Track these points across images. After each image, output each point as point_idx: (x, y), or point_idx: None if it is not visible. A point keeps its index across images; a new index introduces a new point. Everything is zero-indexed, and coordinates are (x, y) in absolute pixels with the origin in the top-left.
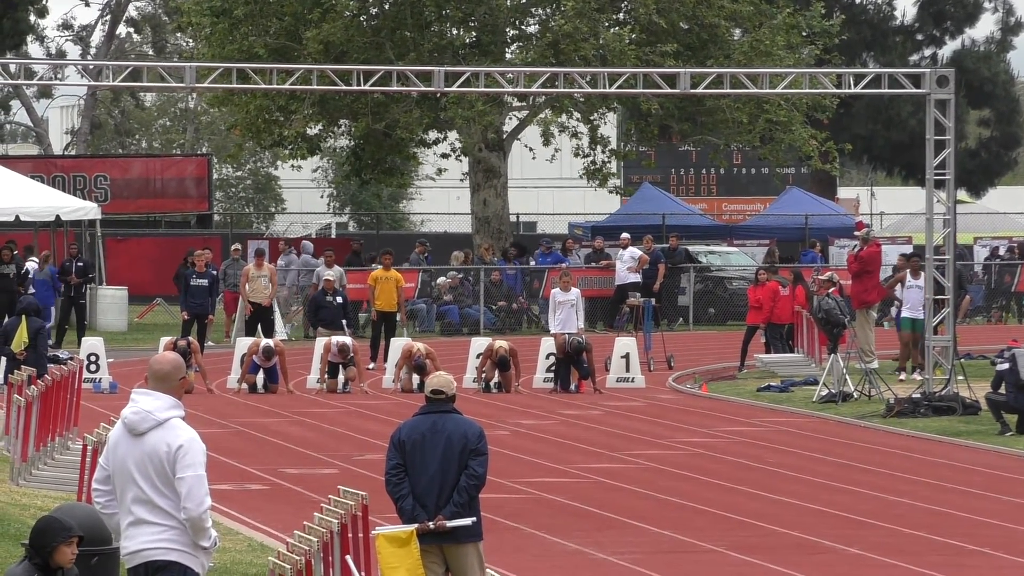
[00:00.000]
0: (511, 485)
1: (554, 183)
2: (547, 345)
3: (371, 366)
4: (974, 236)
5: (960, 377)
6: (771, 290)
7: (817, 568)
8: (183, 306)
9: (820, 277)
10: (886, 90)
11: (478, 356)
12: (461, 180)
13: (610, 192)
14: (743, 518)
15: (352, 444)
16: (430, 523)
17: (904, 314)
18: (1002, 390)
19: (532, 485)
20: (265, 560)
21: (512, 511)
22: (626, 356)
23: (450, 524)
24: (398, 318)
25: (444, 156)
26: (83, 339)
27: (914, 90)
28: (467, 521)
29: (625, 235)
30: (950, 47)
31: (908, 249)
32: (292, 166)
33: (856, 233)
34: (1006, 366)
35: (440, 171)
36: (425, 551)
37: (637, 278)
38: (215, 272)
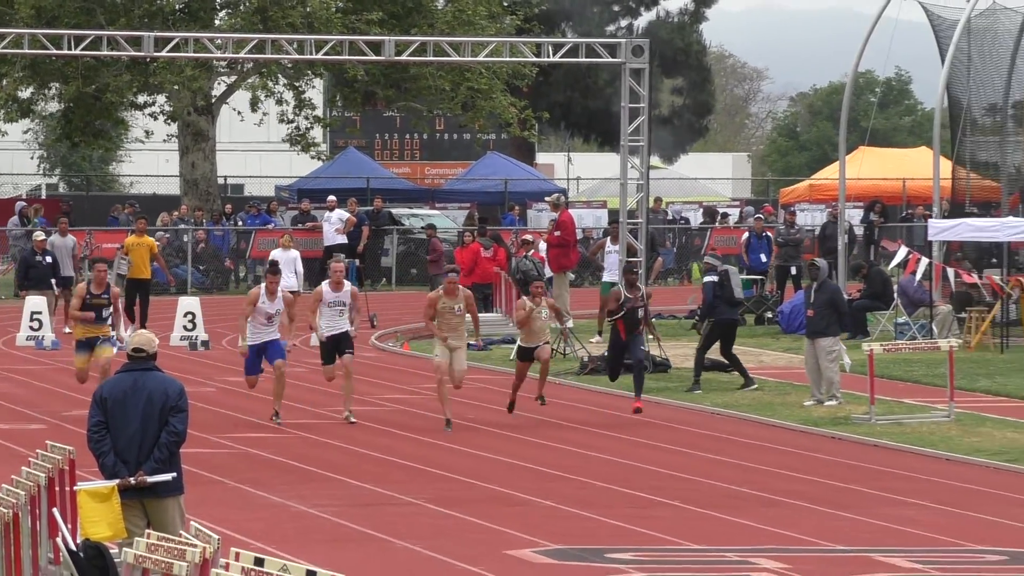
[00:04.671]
0: (216, 440)
1: (262, 146)
2: None
3: (128, 331)
4: (667, 200)
5: (651, 336)
6: (473, 251)
7: (511, 519)
8: None
9: (525, 238)
10: (583, 59)
11: (185, 314)
12: (165, 140)
13: (312, 158)
14: (441, 472)
15: (61, 400)
16: (131, 479)
17: (604, 278)
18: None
19: (237, 440)
20: None
21: (217, 465)
22: None
23: (151, 479)
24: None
25: (152, 117)
26: None
27: (610, 59)
28: (167, 476)
29: (332, 198)
30: (645, 18)
31: (603, 213)
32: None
33: (546, 199)
34: (714, 278)
35: (148, 133)
36: (127, 506)
37: (344, 239)
38: None
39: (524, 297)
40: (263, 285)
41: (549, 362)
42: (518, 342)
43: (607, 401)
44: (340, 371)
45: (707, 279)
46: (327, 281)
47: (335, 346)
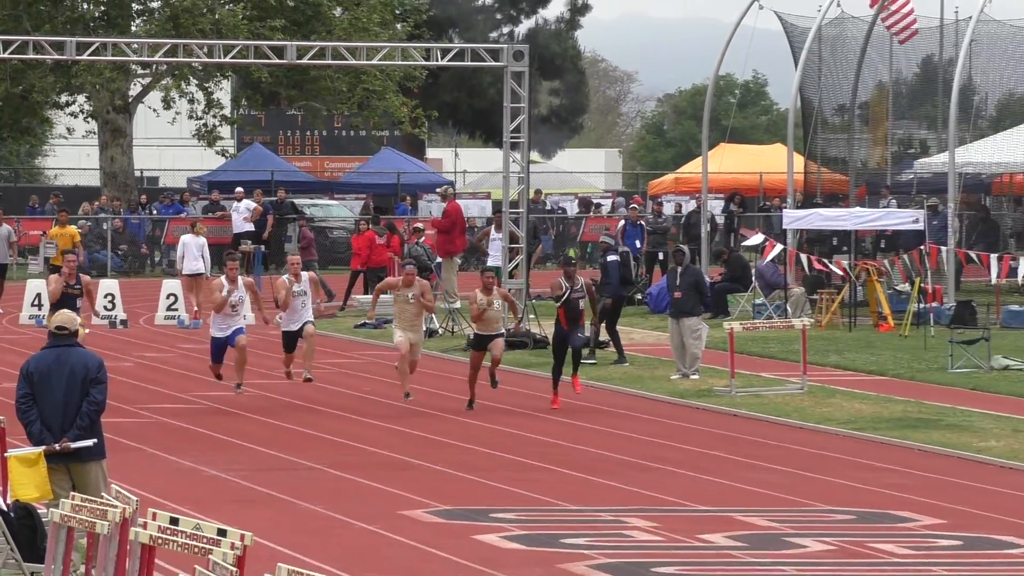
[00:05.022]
0: (135, 410)
1: (175, 142)
2: (168, 286)
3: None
4: (545, 192)
5: (532, 316)
6: (368, 239)
7: (404, 483)
8: None
9: (416, 226)
10: (469, 63)
11: (106, 295)
12: (85, 136)
13: (217, 153)
14: (340, 439)
15: None
16: (56, 445)
17: (488, 263)
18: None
19: (154, 411)
20: None
21: (136, 434)
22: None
23: (74, 445)
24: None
25: (74, 115)
26: None
27: (493, 63)
28: (89, 442)
29: (239, 189)
30: (525, 25)
31: (488, 203)
32: None
33: (436, 190)
34: (617, 258)
35: (70, 130)
36: (53, 470)
37: (251, 227)
38: None
39: (477, 291)
40: (223, 277)
41: (502, 353)
42: (474, 331)
43: (520, 382)
44: (304, 339)
45: (611, 258)
46: (287, 275)
47: (297, 336)
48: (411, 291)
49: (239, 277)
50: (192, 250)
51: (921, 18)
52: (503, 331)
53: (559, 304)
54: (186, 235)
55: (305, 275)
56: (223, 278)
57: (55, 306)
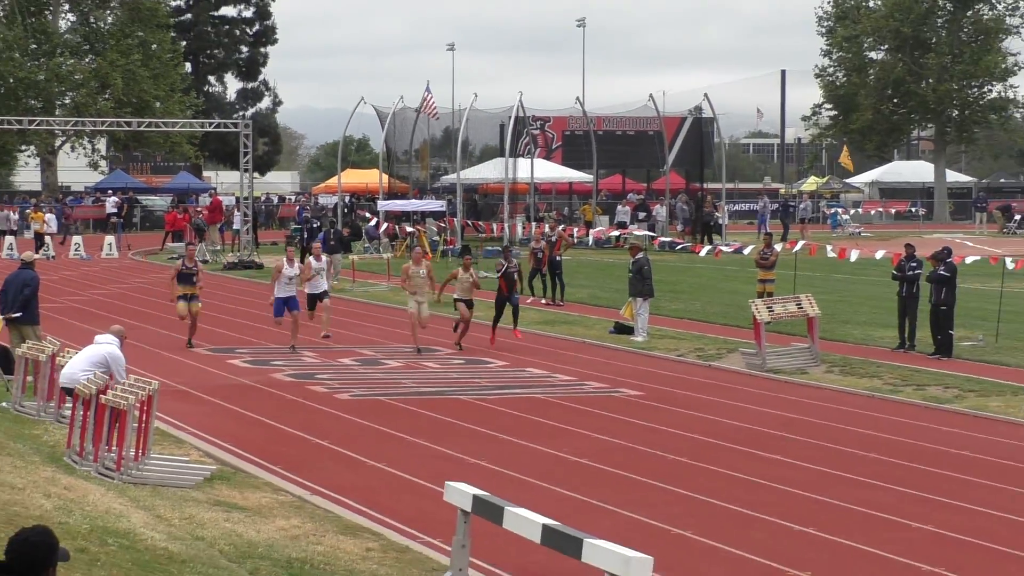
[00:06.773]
0: (58, 302)
1: (79, 168)
2: (73, 241)
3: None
4: (264, 192)
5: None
6: (173, 216)
7: (194, 337)
8: None
9: (198, 210)
10: (223, 129)
11: (44, 245)
12: (36, 166)
13: (100, 173)
14: (164, 314)
15: None
16: (9, 316)
17: (235, 226)
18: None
19: (72, 299)
20: None
21: (60, 311)
22: (110, 243)
23: (12, 316)
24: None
25: (28, 156)
26: None
27: (235, 130)
28: (19, 314)
29: (110, 191)
30: (251, 111)
31: (233, 198)
32: None
33: (208, 193)
34: (338, 229)
35: (26, 163)
36: (12, 329)
37: (116, 211)
38: None
39: (459, 268)
40: (284, 258)
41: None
42: (455, 295)
43: (248, 288)
44: (321, 312)
45: (336, 229)
46: (311, 256)
47: (315, 297)
48: (420, 269)
49: (295, 259)
50: (52, 223)
51: (443, 107)
52: (471, 298)
53: (499, 275)
54: (47, 214)
55: (324, 258)
56: (284, 258)
57: (179, 277)
